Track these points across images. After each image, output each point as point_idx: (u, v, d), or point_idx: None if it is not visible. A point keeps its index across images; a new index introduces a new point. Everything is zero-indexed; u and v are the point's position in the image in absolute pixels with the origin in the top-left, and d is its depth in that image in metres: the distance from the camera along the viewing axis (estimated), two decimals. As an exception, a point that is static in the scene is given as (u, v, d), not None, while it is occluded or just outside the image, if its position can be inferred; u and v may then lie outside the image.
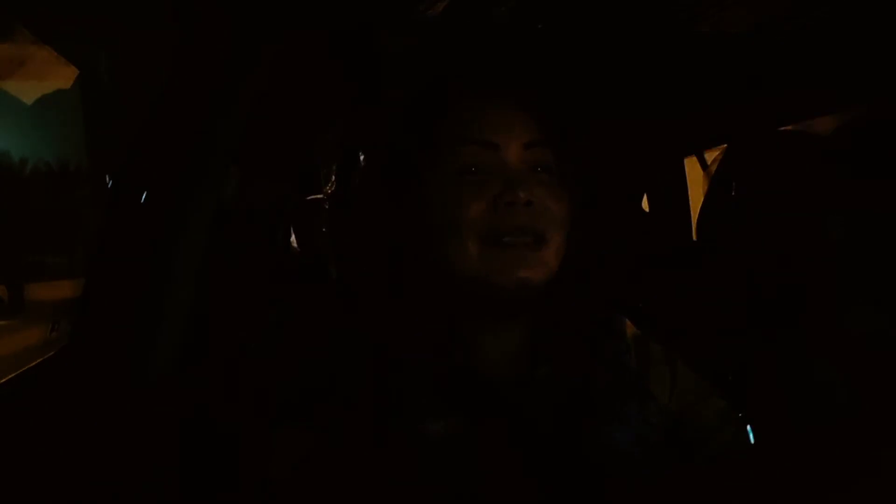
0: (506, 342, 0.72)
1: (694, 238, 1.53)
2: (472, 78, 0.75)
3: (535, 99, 0.73)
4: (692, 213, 1.74)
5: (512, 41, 1.03)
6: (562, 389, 0.70)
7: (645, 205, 1.86)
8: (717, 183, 1.24)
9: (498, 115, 0.71)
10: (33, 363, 0.92)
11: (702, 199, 1.41)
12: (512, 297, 0.69)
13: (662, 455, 0.70)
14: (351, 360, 0.69)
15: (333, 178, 0.83)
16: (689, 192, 1.86)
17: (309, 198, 1.56)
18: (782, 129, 1.25)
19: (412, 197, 0.70)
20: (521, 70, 0.79)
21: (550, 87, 0.80)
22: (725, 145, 1.38)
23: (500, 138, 0.69)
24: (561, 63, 1.13)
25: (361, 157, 0.78)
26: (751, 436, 0.98)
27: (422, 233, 0.70)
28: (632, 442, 0.69)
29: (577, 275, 0.72)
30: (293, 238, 1.54)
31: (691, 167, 1.85)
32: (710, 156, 1.58)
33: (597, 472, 0.66)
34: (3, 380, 0.86)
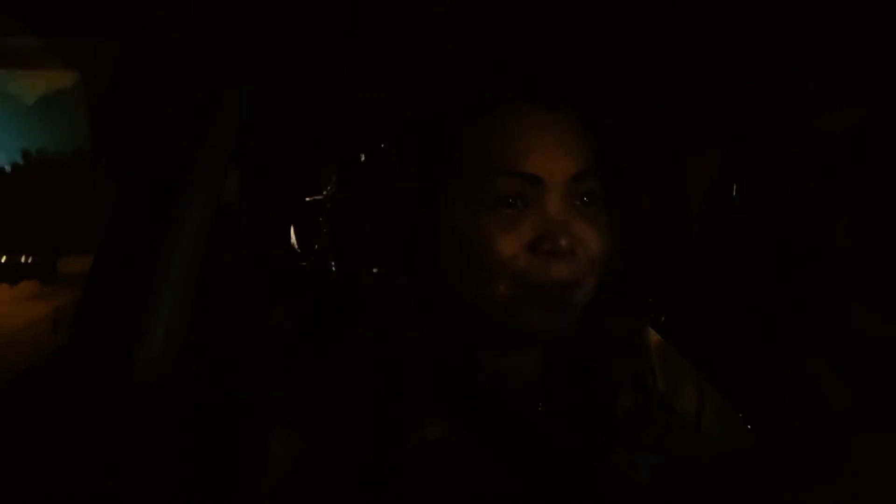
0: (521, 364, 0.66)
1: (693, 238, 1.53)
2: (511, 90, 0.63)
3: (590, 118, 0.63)
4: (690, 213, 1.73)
5: (564, 44, 0.90)
6: (577, 412, 0.65)
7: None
8: (717, 182, 1.24)
9: (543, 138, 0.60)
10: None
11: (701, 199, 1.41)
12: (535, 338, 0.63)
13: (682, 486, 0.64)
14: (353, 368, 0.66)
15: (334, 179, 0.83)
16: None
17: (309, 198, 1.56)
18: (785, 127, 1.25)
19: (435, 221, 0.63)
20: (573, 81, 0.65)
21: (607, 101, 0.69)
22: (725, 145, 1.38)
23: (544, 170, 0.59)
24: (614, 71, 0.99)
25: (376, 168, 0.71)
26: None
27: (445, 261, 0.62)
28: (648, 471, 0.65)
29: (606, 300, 0.65)
30: (293, 238, 1.54)
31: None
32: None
33: (608, 499, 0.62)
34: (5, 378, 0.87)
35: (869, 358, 0.90)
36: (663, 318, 1.25)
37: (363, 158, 0.73)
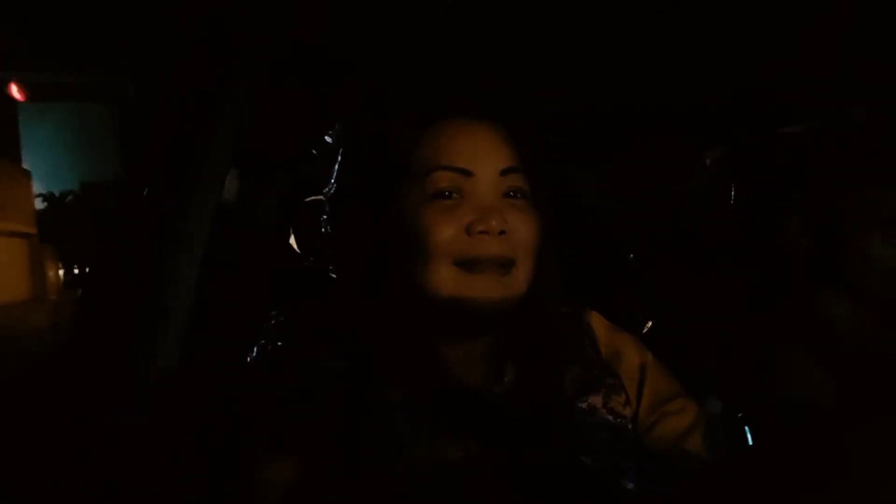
0: (473, 349, 0.74)
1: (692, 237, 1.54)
2: (449, 106, 0.76)
3: (511, 127, 0.75)
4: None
5: (489, 69, 1.04)
6: (530, 389, 0.72)
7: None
8: (715, 183, 1.24)
9: (474, 141, 0.72)
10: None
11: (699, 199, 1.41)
12: (481, 317, 0.71)
13: (633, 446, 0.73)
14: (335, 380, 0.71)
15: (333, 181, 0.83)
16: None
17: (308, 199, 1.56)
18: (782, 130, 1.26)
19: (389, 216, 0.72)
20: (498, 98, 0.79)
21: (526, 114, 0.81)
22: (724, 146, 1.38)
23: (475, 165, 0.70)
24: (541, 87, 1.14)
25: (341, 173, 0.79)
26: (749, 437, 0.99)
27: (398, 251, 0.71)
28: (600, 432, 0.72)
29: (544, 289, 0.74)
30: (292, 239, 1.54)
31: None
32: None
33: (568, 466, 0.68)
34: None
35: (850, 349, 0.92)
36: (650, 322, 1.27)
37: (337, 163, 0.79)
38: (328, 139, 0.91)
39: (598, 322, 0.81)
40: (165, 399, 0.84)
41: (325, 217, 0.82)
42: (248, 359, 0.77)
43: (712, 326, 1.09)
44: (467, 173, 0.70)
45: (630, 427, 0.74)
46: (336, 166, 0.81)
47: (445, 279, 0.68)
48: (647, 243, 1.47)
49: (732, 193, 1.12)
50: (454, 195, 0.70)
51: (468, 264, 0.69)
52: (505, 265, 0.70)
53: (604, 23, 0.95)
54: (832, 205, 0.97)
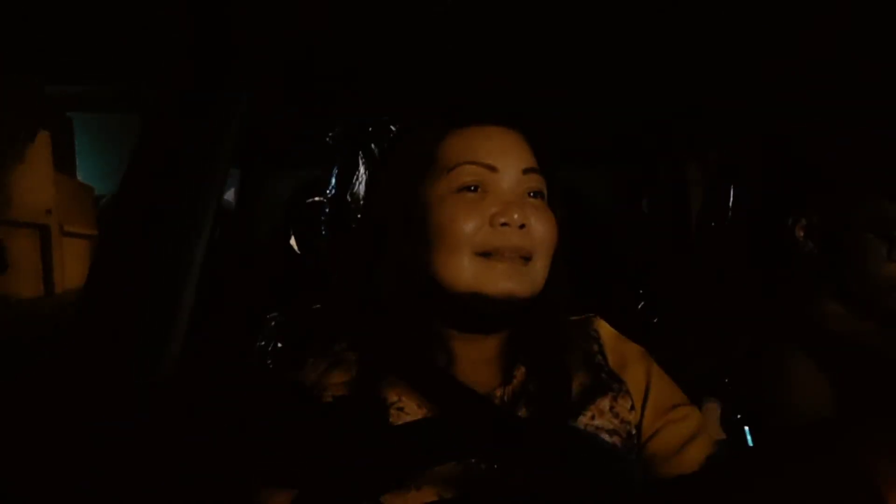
0: (485, 349, 0.76)
1: (693, 239, 1.54)
2: (479, 113, 0.79)
3: (533, 132, 0.78)
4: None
5: (514, 81, 1.09)
6: (537, 390, 0.73)
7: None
8: (714, 184, 1.25)
9: (499, 142, 0.76)
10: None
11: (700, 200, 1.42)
12: (498, 309, 0.72)
13: (636, 450, 0.74)
14: (335, 382, 0.71)
15: (334, 181, 0.83)
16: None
17: (309, 200, 1.56)
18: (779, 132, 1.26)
19: (413, 210, 0.74)
20: (521, 107, 0.82)
21: (543, 121, 0.84)
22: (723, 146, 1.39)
23: (500, 162, 0.74)
24: (558, 100, 1.19)
25: (369, 170, 0.80)
26: (749, 437, 0.99)
27: (419, 243, 0.73)
28: (605, 435, 0.72)
29: (556, 290, 0.76)
30: (293, 240, 1.54)
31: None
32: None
33: (573, 466, 0.69)
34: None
35: (848, 350, 0.92)
36: (655, 319, 1.27)
37: (361, 159, 0.80)
38: (328, 141, 0.91)
39: (605, 330, 0.83)
40: (165, 399, 0.84)
41: (324, 217, 0.82)
42: (248, 359, 0.77)
43: (712, 326, 1.09)
44: (492, 168, 0.74)
45: (634, 433, 0.75)
46: (335, 168, 0.81)
47: (466, 268, 0.71)
48: (649, 245, 1.47)
49: (732, 195, 1.13)
50: (478, 189, 0.73)
51: (487, 252, 0.71)
52: (524, 257, 0.72)
53: (611, 31, 0.97)
54: (839, 211, 0.97)
